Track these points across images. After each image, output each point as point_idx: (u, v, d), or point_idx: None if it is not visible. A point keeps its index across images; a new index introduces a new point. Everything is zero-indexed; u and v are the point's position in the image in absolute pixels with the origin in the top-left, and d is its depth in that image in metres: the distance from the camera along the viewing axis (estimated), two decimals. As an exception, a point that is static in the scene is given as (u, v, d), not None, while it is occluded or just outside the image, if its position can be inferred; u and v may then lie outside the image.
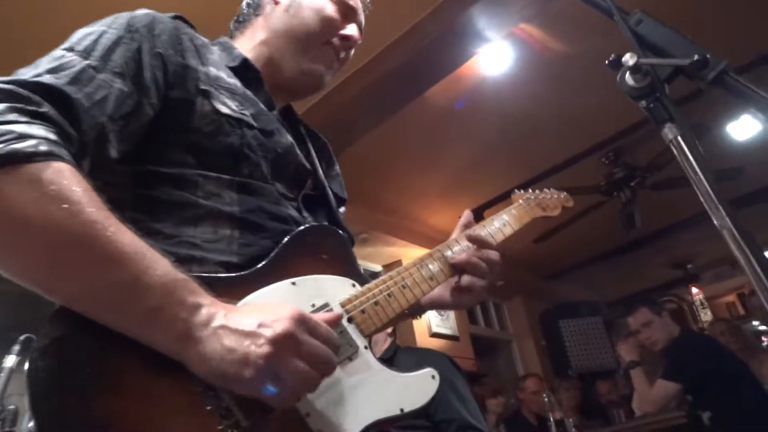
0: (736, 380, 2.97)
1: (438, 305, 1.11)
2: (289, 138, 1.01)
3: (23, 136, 0.61)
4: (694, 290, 8.43)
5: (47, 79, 0.70)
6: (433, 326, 5.16)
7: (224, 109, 0.89)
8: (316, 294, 0.84)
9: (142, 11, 0.89)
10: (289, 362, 0.65)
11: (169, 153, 0.84)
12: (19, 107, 0.64)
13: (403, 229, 5.27)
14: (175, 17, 0.95)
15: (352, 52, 1.17)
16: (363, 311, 0.88)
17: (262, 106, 0.99)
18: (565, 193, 1.57)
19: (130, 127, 0.79)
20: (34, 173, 0.61)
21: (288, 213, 0.92)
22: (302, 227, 0.91)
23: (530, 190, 1.46)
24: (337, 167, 1.24)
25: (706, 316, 8.17)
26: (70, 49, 0.77)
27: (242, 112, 0.92)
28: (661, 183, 4.78)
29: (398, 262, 5.48)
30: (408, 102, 3.57)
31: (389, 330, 2.43)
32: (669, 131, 0.70)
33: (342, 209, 1.17)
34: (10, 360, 1.62)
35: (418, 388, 0.86)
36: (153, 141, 0.84)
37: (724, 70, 0.67)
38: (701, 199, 0.66)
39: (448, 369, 2.26)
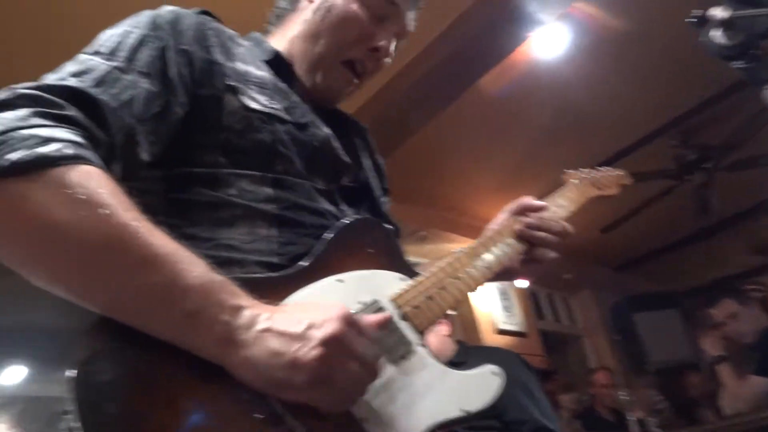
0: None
1: (503, 277, 1.07)
2: (326, 129, 0.96)
3: (48, 140, 0.60)
4: (782, 277, 7.82)
5: (72, 82, 0.68)
6: (499, 323, 5.02)
7: (253, 105, 0.86)
8: (364, 290, 0.80)
9: (166, 8, 0.87)
10: (341, 365, 0.62)
11: (201, 153, 0.82)
12: (44, 111, 0.63)
13: (462, 225, 5.16)
14: (201, 12, 0.92)
15: (388, 60, 1.05)
16: (416, 306, 0.83)
17: (296, 97, 0.95)
18: (621, 170, 1.48)
19: (160, 128, 0.77)
20: (62, 177, 0.59)
21: (326, 208, 0.89)
22: (345, 221, 0.87)
23: (582, 170, 1.37)
24: (378, 156, 1.18)
25: (796, 304, 7.55)
26: (95, 52, 0.76)
27: (273, 106, 0.88)
28: (738, 163, 4.43)
29: (459, 259, 5.37)
30: (460, 93, 3.48)
31: (449, 332, 2.33)
32: (772, 92, 0.59)
33: (385, 200, 1.12)
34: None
35: (479, 386, 0.80)
36: (183, 142, 0.81)
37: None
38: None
39: (518, 367, 2.16)
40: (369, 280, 0.82)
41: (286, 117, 0.89)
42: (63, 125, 0.63)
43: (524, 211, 1.11)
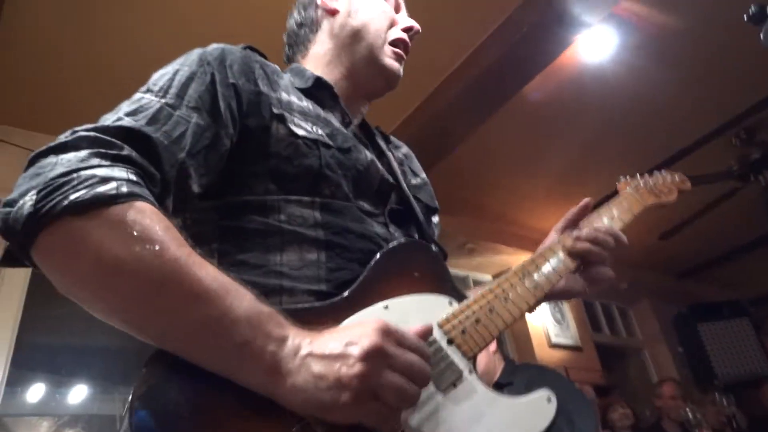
0: None
1: (557, 297, 1.06)
2: (368, 153, 1.00)
3: (105, 180, 0.63)
4: None
5: (127, 122, 0.72)
6: (552, 336, 4.86)
7: (300, 131, 0.89)
8: (411, 316, 0.78)
9: (213, 45, 0.92)
10: (385, 377, 0.62)
11: (251, 182, 0.85)
12: (102, 152, 0.67)
13: (510, 235, 5.05)
14: (246, 48, 0.98)
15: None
16: (463, 331, 0.81)
17: (337, 124, 0.99)
18: (679, 173, 1.39)
19: (210, 160, 0.80)
20: (118, 215, 0.62)
21: (374, 231, 0.90)
22: (390, 245, 0.87)
23: (638, 176, 1.31)
24: (423, 175, 1.20)
25: None
26: (147, 91, 0.80)
27: (317, 132, 0.92)
28: (808, 160, 4.17)
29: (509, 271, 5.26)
30: (505, 101, 3.42)
31: (494, 348, 2.25)
32: None
33: (435, 219, 1.13)
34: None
35: (532, 414, 0.76)
36: (234, 172, 0.85)
37: None
38: None
39: (565, 392, 2.06)
40: (415, 306, 0.81)
41: (330, 142, 0.92)
42: (119, 164, 0.67)
43: (575, 222, 1.10)
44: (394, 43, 1.11)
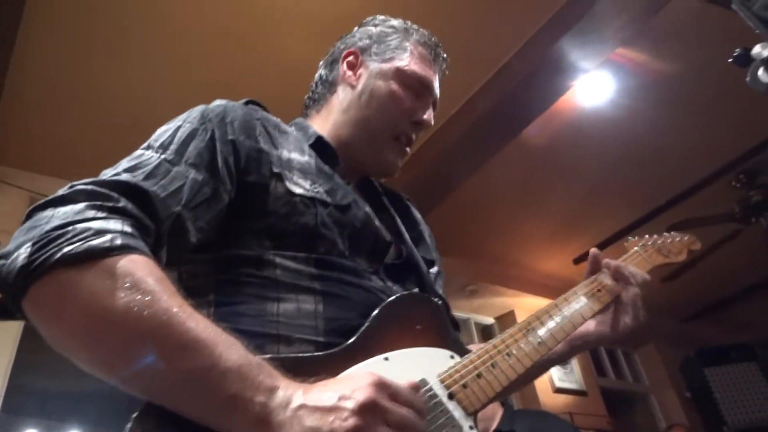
0: None
1: (583, 344, 1.10)
2: (367, 209, 0.99)
3: (100, 232, 0.64)
4: None
5: (124, 177, 0.74)
6: (556, 380, 4.76)
7: (297, 190, 0.89)
8: (411, 369, 0.77)
9: (216, 102, 0.93)
10: (379, 431, 0.60)
11: (247, 237, 0.85)
12: (98, 204, 0.68)
13: (512, 277, 5.01)
14: (247, 102, 0.99)
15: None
16: (464, 386, 0.79)
17: (338, 179, 0.99)
18: (689, 235, 1.41)
19: (207, 214, 0.81)
20: (111, 266, 0.62)
21: (371, 284, 0.89)
22: (392, 297, 0.85)
23: (647, 236, 1.31)
24: (422, 226, 1.19)
25: None
26: (148, 147, 0.82)
27: (315, 190, 0.92)
28: (810, 202, 4.16)
29: (511, 314, 5.20)
30: (504, 145, 3.45)
31: None
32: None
33: (434, 270, 1.11)
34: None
35: None
36: (231, 227, 0.85)
37: None
38: None
39: None
40: (416, 358, 0.79)
41: (328, 199, 0.92)
42: (115, 216, 0.68)
43: (599, 266, 1.14)
44: (398, 137, 1.08)
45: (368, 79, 1.10)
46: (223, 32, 2.66)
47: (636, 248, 1.26)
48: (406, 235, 1.07)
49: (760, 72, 0.61)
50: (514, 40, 2.93)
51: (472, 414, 0.77)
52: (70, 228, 0.63)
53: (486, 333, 5.29)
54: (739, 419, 4.84)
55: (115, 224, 0.66)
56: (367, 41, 1.15)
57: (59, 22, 2.50)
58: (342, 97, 1.11)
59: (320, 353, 0.74)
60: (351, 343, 0.76)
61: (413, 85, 1.09)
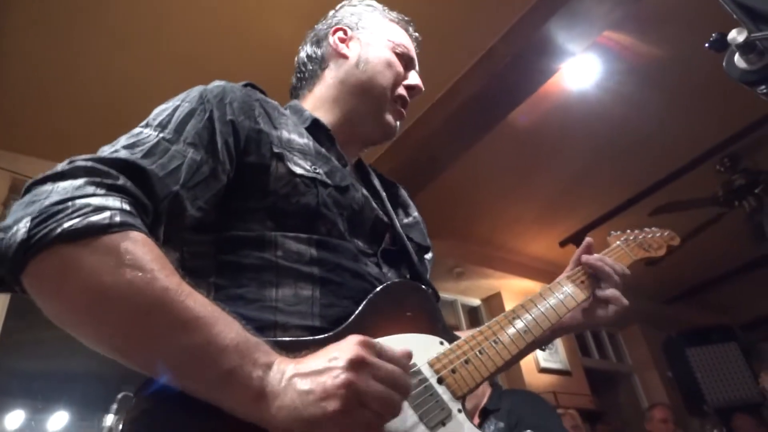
0: None
1: (568, 330, 1.14)
2: (364, 192, 1.01)
3: (99, 209, 0.64)
4: None
5: (123, 154, 0.73)
6: (541, 360, 4.84)
7: (298, 170, 0.90)
8: None
9: (215, 83, 0.93)
10: (369, 385, 0.63)
11: (248, 218, 0.86)
12: (98, 181, 0.68)
13: (499, 259, 5.06)
14: (246, 85, 1.00)
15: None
16: (453, 371, 0.82)
17: (336, 162, 1.00)
18: (669, 230, 1.46)
19: (205, 194, 0.81)
20: (111, 244, 0.63)
21: (367, 270, 0.90)
22: (384, 284, 0.87)
23: (628, 231, 1.36)
24: (416, 213, 1.22)
25: None
26: (147, 125, 0.82)
27: (316, 171, 0.93)
28: (792, 187, 4.23)
29: (497, 295, 5.25)
30: (491, 128, 3.45)
31: None
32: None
33: (428, 256, 1.14)
34: (109, 419, 1.66)
35: None
36: (232, 207, 0.86)
37: None
38: None
39: (540, 415, 2.08)
40: (407, 344, 0.79)
41: (328, 181, 0.93)
42: (114, 193, 0.68)
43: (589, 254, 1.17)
44: (396, 99, 1.13)
45: (362, 49, 1.14)
46: (210, 14, 2.62)
47: (618, 242, 1.29)
48: (397, 222, 1.09)
49: (736, 57, 0.62)
50: (501, 23, 2.91)
51: (461, 398, 0.79)
52: (70, 203, 0.63)
53: (473, 314, 5.35)
54: (718, 398, 4.94)
55: (114, 201, 0.66)
56: (353, 18, 1.19)
57: (41, 2, 2.44)
58: (336, 70, 1.14)
59: (313, 337, 0.76)
60: (343, 328, 0.78)
61: (403, 54, 1.15)
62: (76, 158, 0.70)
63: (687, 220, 4.32)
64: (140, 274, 0.62)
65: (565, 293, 1.06)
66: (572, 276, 1.11)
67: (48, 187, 0.66)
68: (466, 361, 0.84)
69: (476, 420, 2.11)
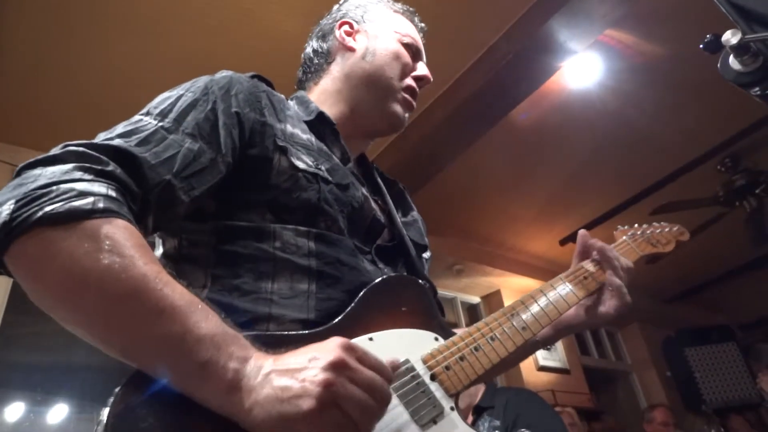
0: None
1: (570, 328, 1.12)
2: (363, 191, 1.01)
3: (83, 194, 0.64)
4: None
5: (116, 142, 0.73)
6: (539, 359, 4.84)
7: (301, 165, 0.90)
8: (396, 350, 0.78)
9: (221, 73, 0.93)
10: (347, 388, 0.62)
11: (249, 209, 0.86)
12: (86, 166, 0.68)
13: (499, 257, 5.06)
14: (253, 76, 0.99)
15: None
16: (447, 367, 0.81)
17: (337, 159, 1.00)
18: (678, 225, 1.41)
19: (202, 185, 0.81)
20: (91, 229, 0.63)
21: (365, 266, 0.90)
22: (380, 278, 0.87)
23: (636, 225, 1.32)
24: (415, 212, 1.22)
25: None
26: (147, 113, 0.82)
27: (318, 167, 0.93)
28: (793, 187, 4.22)
29: (497, 293, 5.26)
30: (491, 126, 3.44)
31: None
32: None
33: (426, 255, 1.14)
34: (105, 413, 1.65)
35: None
36: (233, 198, 0.86)
37: None
38: None
39: (538, 413, 2.07)
40: (401, 340, 0.80)
41: (329, 177, 0.93)
42: (101, 179, 0.68)
43: (587, 246, 1.16)
44: (404, 90, 1.12)
45: (369, 41, 1.14)
46: (212, 8, 2.62)
47: (624, 237, 1.27)
48: (398, 219, 1.09)
49: (731, 59, 0.62)
50: (502, 21, 2.90)
51: (454, 395, 0.78)
52: (54, 188, 0.63)
53: (472, 312, 5.35)
54: (717, 397, 4.95)
55: (99, 187, 0.66)
56: (358, 11, 1.19)
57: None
58: (342, 63, 1.14)
59: (305, 332, 0.75)
60: (336, 323, 0.77)
61: (410, 45, 1.15)
62: (70, 143, 0.70)
63: (687, 219, 4.32)
64: (119, 260, 0.62)
65: (566, 289, 1.04)
66: (573, 273, 1.10)
67: (37, 171, 0.66)
68: (461, 358, 0.83)
69: (469, 418, 2.11)
